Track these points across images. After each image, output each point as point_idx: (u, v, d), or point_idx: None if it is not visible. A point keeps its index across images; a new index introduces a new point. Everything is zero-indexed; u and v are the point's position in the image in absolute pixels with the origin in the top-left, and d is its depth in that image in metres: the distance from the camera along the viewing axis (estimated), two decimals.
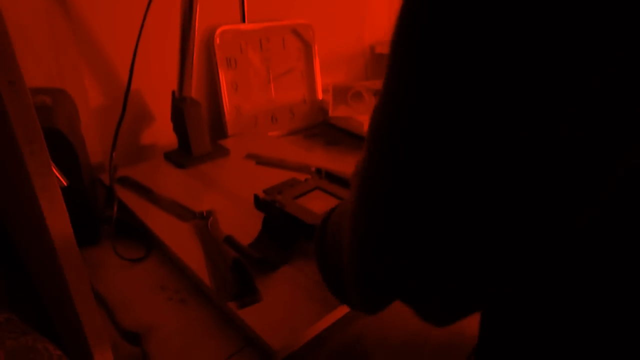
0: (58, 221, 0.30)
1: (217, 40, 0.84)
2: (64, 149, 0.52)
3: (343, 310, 0.47)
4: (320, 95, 1.00)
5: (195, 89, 0.86)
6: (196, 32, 0.67)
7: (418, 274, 0.23)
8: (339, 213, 0.36)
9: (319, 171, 0.68)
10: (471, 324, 0.45)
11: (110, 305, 0.49)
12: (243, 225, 0.60)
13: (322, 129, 1.00)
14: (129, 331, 0.46)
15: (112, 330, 0.47)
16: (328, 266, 0.37)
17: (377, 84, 1.05)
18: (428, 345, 0.46)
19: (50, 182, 0.29)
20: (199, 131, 0.76)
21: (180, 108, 0.74)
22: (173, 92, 0.75)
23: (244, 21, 0.65)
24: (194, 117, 0.75)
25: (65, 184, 0.52)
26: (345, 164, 0.81)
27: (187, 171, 0.74)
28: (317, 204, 0.60)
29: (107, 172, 0.66)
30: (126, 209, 0.65)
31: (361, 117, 0.87)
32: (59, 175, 0.50)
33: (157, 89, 0.81)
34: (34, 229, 0.35)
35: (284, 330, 0.43)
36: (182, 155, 0.77)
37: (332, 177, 0.68)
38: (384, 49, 1.15)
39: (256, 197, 0.60)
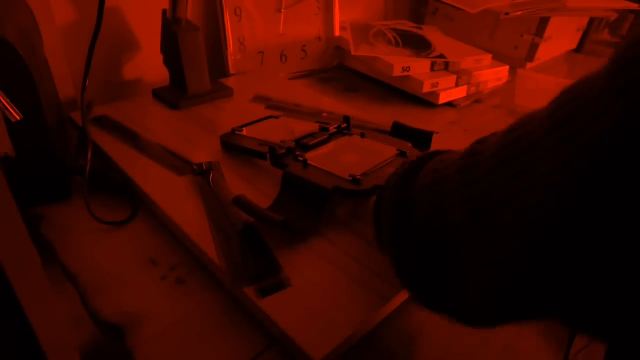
0: None
1: None
2: (13, 68, 0.38)
3: (399, 299, 0.36)
4: (337, 32, 0.84)
5: (191, 14, 0.70)
6: None
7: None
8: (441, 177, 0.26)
9: (347, 119, 0.55)
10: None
11: (83, 284, 0.37)
12: (256, 184, 0.47)
13: (338, 73, 0.86)
14: (108, 322, 0.34)
15: (86, 321, 0.34)
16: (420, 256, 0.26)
17: (399, 25, 0.90)
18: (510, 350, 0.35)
19: None
20: (197, 64, 0.61)
21: (173, 33, 0.58)
22: (164, 12, 0.60)
23: None
24: (191, 45, 0.59)
25: (17, 117, 0.38)
26: (369, 112, 0.68)
27: (181, 113, 0.60)
28: (350, 158, 0.48)
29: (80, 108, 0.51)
30: (105, 157, 0.51)
31: (390, 59, 0.73)
32: (6, 104, 0.36)
33: (144, 7, 0.65)
34: None
35: (325, 331, 0.31)
36: (176, 94, 0.62)
37: (362, 127, 0.55)
38: None
39: (272, 150, 0.47)
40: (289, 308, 0.33)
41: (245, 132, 0.54)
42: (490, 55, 0.79)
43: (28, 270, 0.22)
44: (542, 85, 0.82)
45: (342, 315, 0.32)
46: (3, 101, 0.38)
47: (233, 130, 0.54)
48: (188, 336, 0.33)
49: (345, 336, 0.31)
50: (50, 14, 0.55)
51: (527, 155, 0.20)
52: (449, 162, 0.26)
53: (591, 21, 1.02)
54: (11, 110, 0.37)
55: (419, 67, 0.72)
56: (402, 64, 0.72)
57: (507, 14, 0.84)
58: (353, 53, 0.76)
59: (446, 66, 0.74)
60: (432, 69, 0.73)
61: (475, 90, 0.76)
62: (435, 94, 0.71)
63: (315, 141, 0.50)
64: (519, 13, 0.84)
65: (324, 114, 0.61)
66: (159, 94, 0.63)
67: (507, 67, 0.80)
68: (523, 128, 0.22)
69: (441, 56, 0.75)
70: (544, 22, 0.86)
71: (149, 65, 0.69)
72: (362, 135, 0.52)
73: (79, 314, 0.37)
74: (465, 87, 0.74)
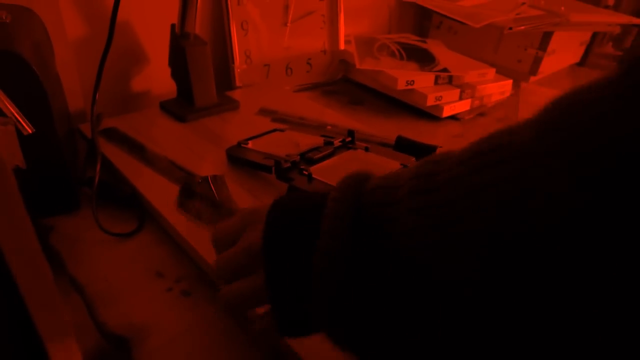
0: None
1: None
2: (26, 83, 0.39)
3: None
4: (342, 45, 0.86)
5: (199, 28, 0.71)
6: None
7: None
8: None
9: (351, 133, 0.55)
10: None
11: (90, 295, 0.38)
12: (261, 197, 0.48)
13: (342, 86, 0.86)
14: (115, 333, 0.35)
15: (92, 331, 0.35)
16: None
17: (403, 38, 0.91)
18: None
19: None
20: (204, 77, 0.62)
21: (181, 47, 0.60)
22: (172, 26, 0.61)
23: None
24: (199, 59, 0.61)
25: (29, 130, 0.39)
26: (373, 125, 0.69)
27: (188, 125, 0.61)
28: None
29: (90, 120, 0.52)
30: (112, 169, 0.52)
31: (394, 72, 0.73)
32: (19, 118, 0.37)
33: (152, 21, 0.66)
34: None
35: (332, 349, 0.31)
36: (182, 106, 0.63)
37: (366, 141, 0.56)
38: None
39: (277, 163, 0.48)
40: None
41: (250, 145, 0.54)
42: (493, 69, 0.79)
43: (38, 279, 0.22)
44: (545, 98, 0.82)
45: None
46: (16, 115, 0.39)
47: (239, 143, 0.55)
48: (193, 348, 0.34)
49: None
50: (63, 29, 0.57)
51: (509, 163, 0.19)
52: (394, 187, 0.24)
53: (594, 35, 1.02)
54: (23, 123, 0.38)
55: (422, 81, 0.73)
56: (406, 78, 0.72)
57: (510, 28, 0.85)
58: (357, 66, 0.77)
59: (450, 80, 0.75)
60: (435, 82, 0.74)
61: (479, 104, 0.77)
62: (439, 107, 0.72)
63: (320, 155, 0.51)
64: (523, 27, 0.85)
65: (329, 127, 0.62)
66: (167, 107, 0.64)
67: (510, 81, 0.81)
68: (499, 138, 0.21)
69: (445, 70, 0.76)
70: (547, 37, 0.87)
71: (156, 78, 0.70)
72: (366, 149, 0.53)
73: (83, 322, 0.37)
74: (469, 100, 0.75)
